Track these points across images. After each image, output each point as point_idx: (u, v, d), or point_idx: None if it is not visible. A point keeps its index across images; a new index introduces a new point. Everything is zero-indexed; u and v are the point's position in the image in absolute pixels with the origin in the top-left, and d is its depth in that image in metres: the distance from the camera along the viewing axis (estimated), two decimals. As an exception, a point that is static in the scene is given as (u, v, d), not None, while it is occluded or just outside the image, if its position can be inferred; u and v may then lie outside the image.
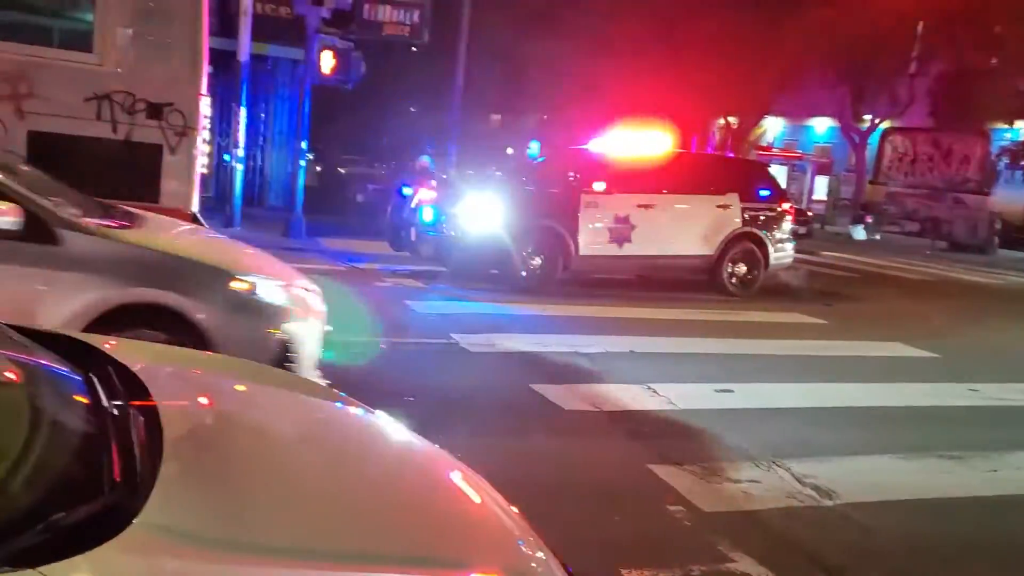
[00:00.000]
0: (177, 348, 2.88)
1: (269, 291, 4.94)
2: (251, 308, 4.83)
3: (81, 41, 7.22)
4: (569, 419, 5.81)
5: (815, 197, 32.63)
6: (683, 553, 3.99)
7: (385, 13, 18.74)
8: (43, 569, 1.44)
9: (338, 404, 2.80)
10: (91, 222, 4.70)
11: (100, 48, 7.10)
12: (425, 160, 18.46)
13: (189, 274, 4.81)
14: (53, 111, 6.89)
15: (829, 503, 4.72)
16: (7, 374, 2.14)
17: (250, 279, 4.93)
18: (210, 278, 4.83)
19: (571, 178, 11.95)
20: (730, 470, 5.05)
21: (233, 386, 2.72)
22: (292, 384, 2.89)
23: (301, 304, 5.07)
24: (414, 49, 21.60)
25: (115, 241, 4.70)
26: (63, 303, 4.42)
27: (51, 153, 6.71)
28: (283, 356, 4.84)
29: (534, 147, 32.02)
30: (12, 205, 4.32)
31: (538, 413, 5.83)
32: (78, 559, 1.49)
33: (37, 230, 4.36)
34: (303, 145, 15.09)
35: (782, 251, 12.74)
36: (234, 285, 4.84)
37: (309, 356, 5.00)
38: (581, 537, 3.74)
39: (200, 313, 4.66)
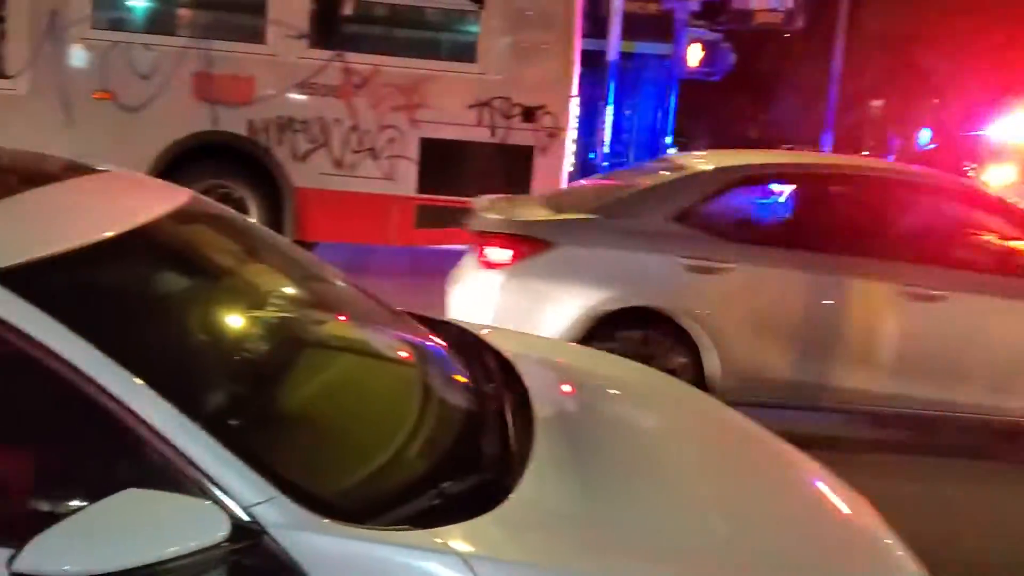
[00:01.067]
0: (544, 338, 3.02)
1: None
2: None
3: (466, 52, 7.84)
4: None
5: None
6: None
7: (757, 0, 18.16)
8: (431, 531, 1.58)
9: (705, 402, 2.77)
10: None
11: (483, 58, 7.66)
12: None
13: None
14: (441, 119, 7.52)
15: None
16: (403, 353, 2.40)
17: None
18: None
19: (967, 168, 10.82)
20: None
21: (602, 377, 2.79)
22: (657, 379, 2.90)
23: None
24: (787, 35, 20.68)
25: None
26: None
27: (439, 157, 7.39)
28: None
29: (925, 135, 29.38)
30: None
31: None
32: (458, 527, 1.61)
33: None
34: (668, 140, 15.17)
35: None
36: None
37: None
38: (952, 554, 3.36)
39: None
